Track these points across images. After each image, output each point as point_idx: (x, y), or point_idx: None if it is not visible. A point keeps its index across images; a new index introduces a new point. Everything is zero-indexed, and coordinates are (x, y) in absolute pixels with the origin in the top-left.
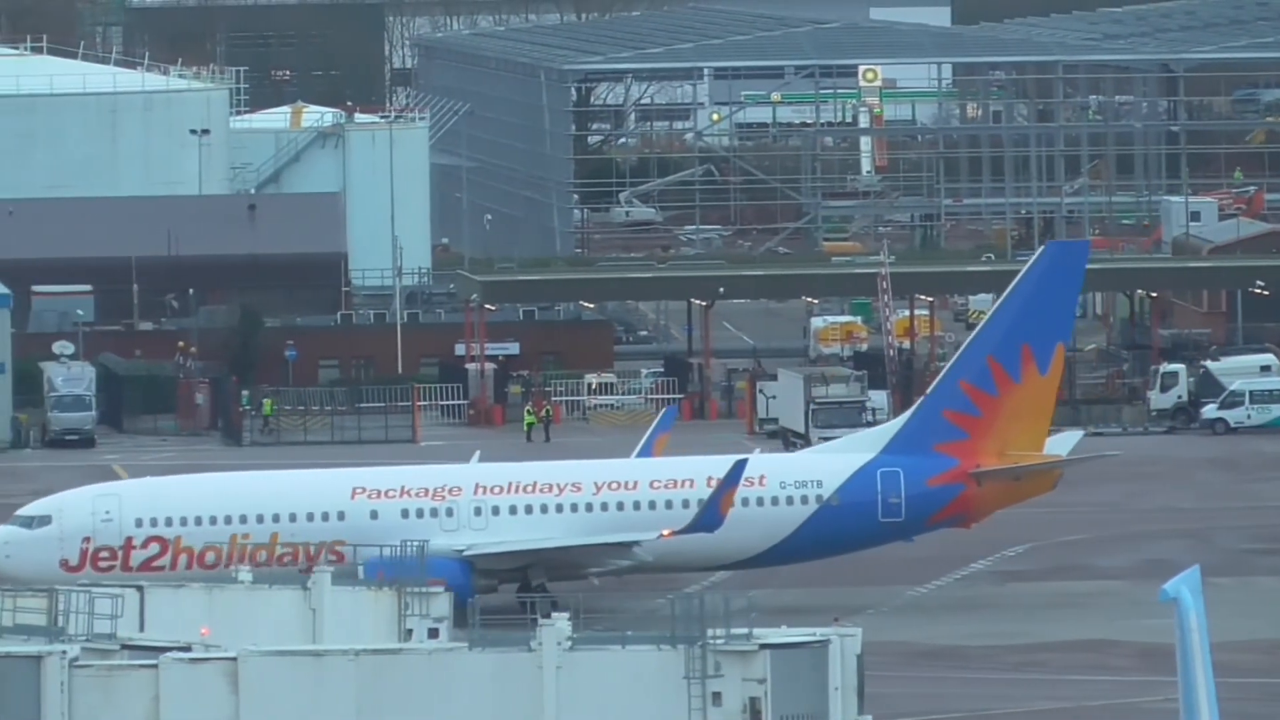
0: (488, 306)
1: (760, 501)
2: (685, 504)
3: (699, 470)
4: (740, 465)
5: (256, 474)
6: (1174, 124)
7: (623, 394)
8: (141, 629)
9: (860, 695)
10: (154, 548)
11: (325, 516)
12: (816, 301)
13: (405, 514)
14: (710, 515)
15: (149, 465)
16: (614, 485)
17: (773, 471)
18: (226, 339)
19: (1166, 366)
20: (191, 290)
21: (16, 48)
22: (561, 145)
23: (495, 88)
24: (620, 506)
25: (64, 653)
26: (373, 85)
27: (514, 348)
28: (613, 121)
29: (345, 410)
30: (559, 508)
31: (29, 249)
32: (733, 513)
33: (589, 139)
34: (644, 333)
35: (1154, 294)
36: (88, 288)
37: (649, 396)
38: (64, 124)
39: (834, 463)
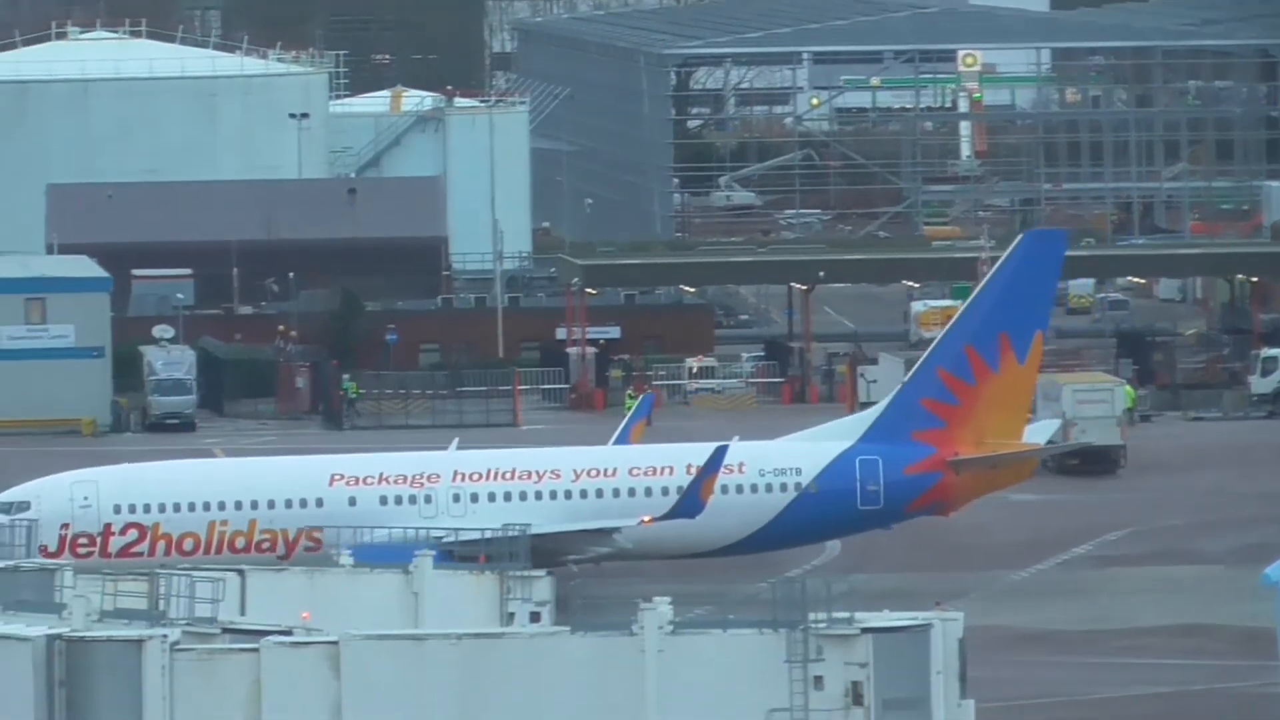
0: (588, 290)
1: (740, 489)
2: (665, 491)
3: (678, 457)
4: (721, 452)
5: (235, 460)
6: (1273, 109)
7: (723, 378)
8: (243, 613)
9: (962, 679)
10: (132, 534)
11: (304, 503)
12: (917, 286)
13: (384, 500)
14: (691, 502)
15: (248, 449)
16: (593, 472)
17: (752, 459)
18: (326, 323)
19: (1267, 351)
20: (291, 274)
21: (116, 32)
22: (661, 130)
23: (594, 72)
24: (600, 494)
25: (165, 637)
26: (471, 69)
27: (615, 331)
28: (712, 106)
29: (446, 394)
30: (538, 495)
31: (129, 233)
32: (712, 500)
33: (688, 123)
34: (744, 317)
35: (1254, 279)
36: (187, 272)
37: (749, 380)
38: (163, 108)
39: (813, 450)
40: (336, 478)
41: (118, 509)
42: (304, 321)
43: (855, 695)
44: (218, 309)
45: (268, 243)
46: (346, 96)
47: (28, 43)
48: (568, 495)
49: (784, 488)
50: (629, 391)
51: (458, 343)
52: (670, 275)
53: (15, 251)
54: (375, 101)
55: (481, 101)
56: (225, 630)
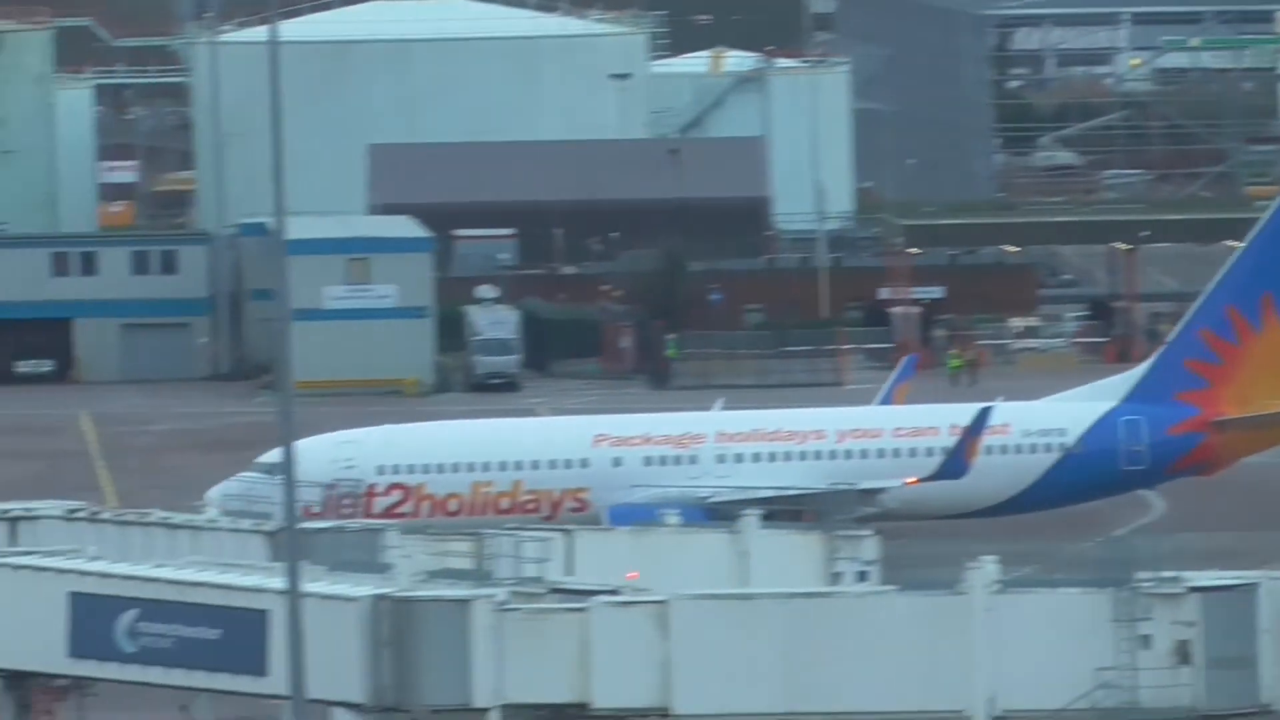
0: (911, 250)
1: (1004, 449)
2: (929, 452)
3: (942, 418)
4: (985, 413)
5: (499, 421)
6: None
7: (1047, 338)
8: (569, 573)
9: None
10: (396, 495)
11: (568, 464)
12: (1240, 246)
13: (648, 461)
14: (956, 462)
15: (572, 409)
16: (857, 433)
17: (1017, 420)
18: (650, 283)
19: None
20: (615, 234)
21: None
22: (981, 90)
23: (914, 33)
24: (863, 454)
25: (492, 597)
26: (791, 30)
27: (938, 291)
28: (1031, 66)
29: (770, 354)
30: (802, 455)
31: (451, 193)
32: (977, 461)
33: (1008, 84)
34: (1067, 277)
35: None
36: (510, 231)
37: (1073, 340)
38: (484, 68)
39: (1077, 411)
40: (600, 438)
41: (381, 470)
42: (627, 281)
43: (1183, 654)
44: (541, 269)
45: (590, 203)
46: (666, 57)
47: (346, 3)
48: (831, 456)
49: (1048, 449)
50: (952, 351)
51: (782, 302)
52: (993, 235)
53: (337, 212)
54: (695, 62)
55: (802, 62)
56: (552, 590)
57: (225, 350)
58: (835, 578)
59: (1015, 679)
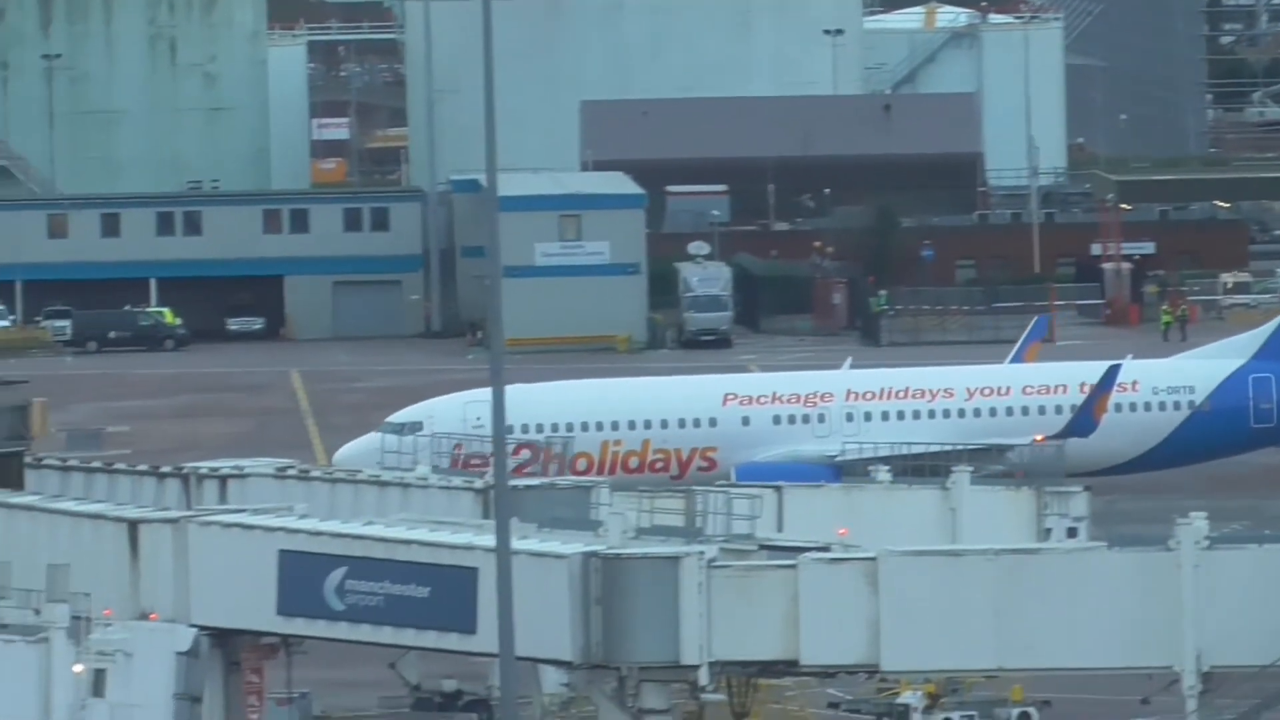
0: (1123, 206)
1: (1134, 407)
2: (1059, 410)
3: (1072, 376)
4: (1113, 371)
5: (628, 380)
6: None
7: (1257, 293)
8: (780, 529)
9: None
10: (525, 454)
11: (697, 423)
12: None
13: (777, 420)
14: (1084, 420)
15: (783, 365)
16: (986, 391)
17: (1145, 377)
18: (862, 239)
19: None
20: (826, 190)
21: None
22: (1193, 46)
23: None
24: (993, 412)
25: (702, 553)
26: None
27: (1149, 247)
28: (1245, 22)
29: (982, 310)
30: (931, 413)
31: (663, 149)
32: (1106, 418)
33: (1221, 39)
34: (1278, 232)
35: None
36: (722, 188)
37: None
38: (696, 24)
39: (1206, 369)
40: (730, 397)
41: (511, 429)
42: (840, 237)
43: None
44: (753, 225)
45: (802, 159)
46: (879, 13)
47: None
48: (960, 414)
49: (1177, 406)
50: (1164, 307)
51: (993, 258)
52: (1204, 191)
53: (550, 168)
54: (908, 18)
55: (1016, 18)
56: (762, 547)
57: (436, 307)
58: (1045, 534)
59: (1223, 635)
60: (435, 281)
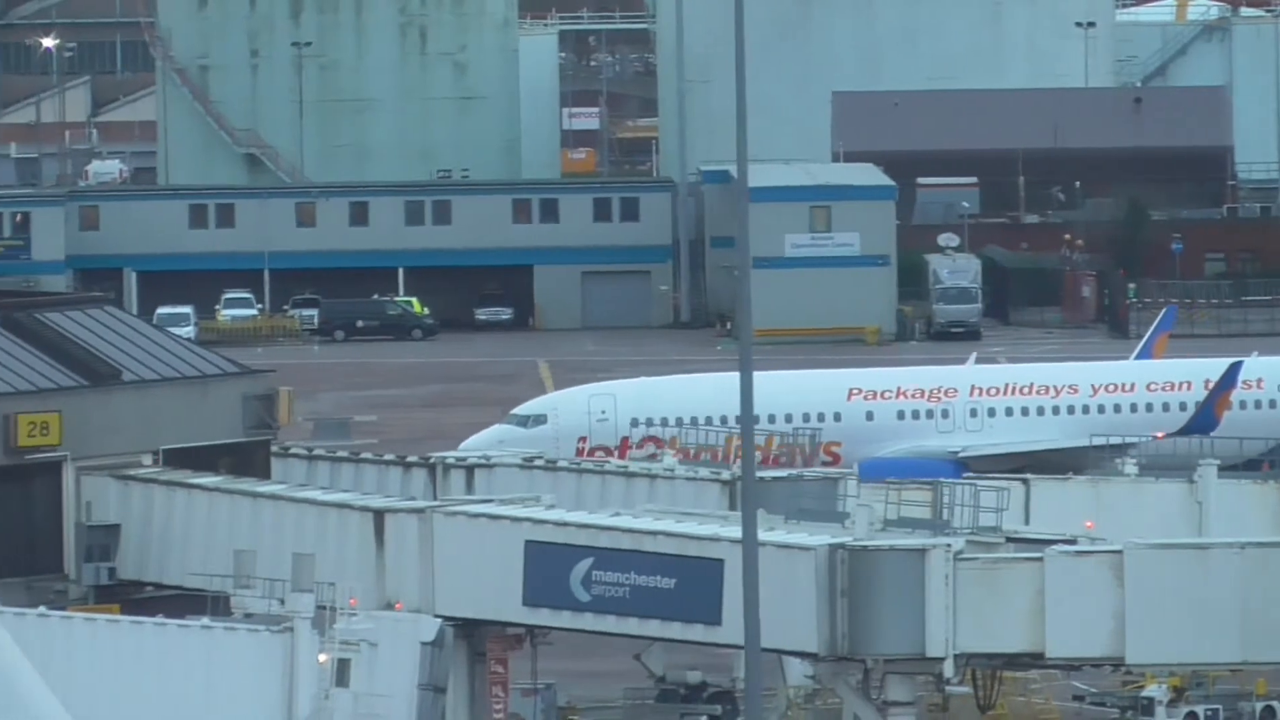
0: None
1: (1258, 404)
2: (1183, 406)
3: (1196, 372)
4: (1235, 367)
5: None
6: None
7: None
8: (1026, 522)
9: None
10: (649, 448)
11: (820, 417)
12: None
13: (901, 415)
14: (1206, 417)
15: (1032, 357)
16: (1110, 388)
17: (1270, 375)
18: (1112, 232)
19: None
20: (1077, 183)
21: None
22: None
23: None
24: (1117, 409)
25: (949, 546)
26: None
27: None
28: None
29: (1230, 304)
30: (1055, 410)
31: (913, 141)
32: (1228, 415)
33: None
34: None
35: None
36: (972, 180)
37: None
38: (948, 15)
39: None
40: (854, 392)
41: (635, 422)
42: (1089, 230)
43: None
44: (1003, 217)
45: (1052, 151)
46: (1132, 6)
47: None
48: (1085, 410)
49: None
50: None
51: (1242, 252)
52: None
53: (801, 159)
54: (1161, 10)
55: (1268, 11)
56: (1009, 539)
57: (685, 298)
58: None
59: None
60: (684, 272)
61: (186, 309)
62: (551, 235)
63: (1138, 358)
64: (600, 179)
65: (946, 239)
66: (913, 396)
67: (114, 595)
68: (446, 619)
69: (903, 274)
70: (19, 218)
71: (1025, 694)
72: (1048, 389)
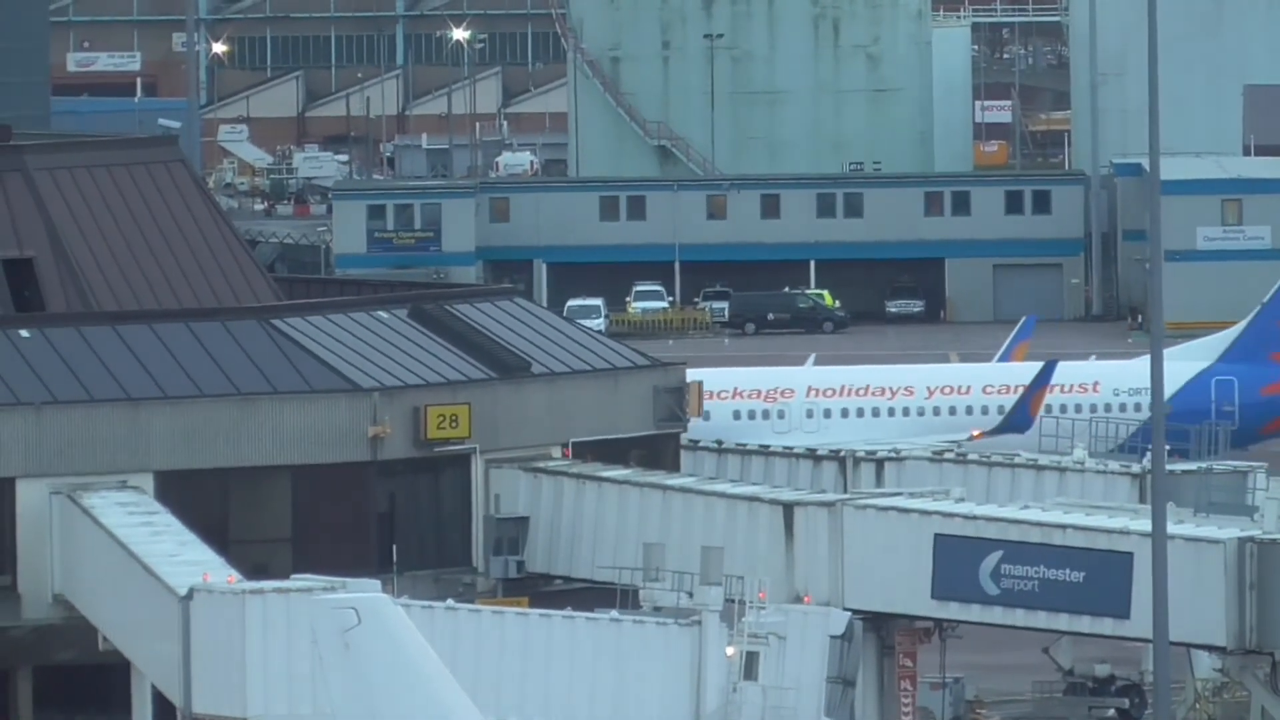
0: None
1: (1094, 408)
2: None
3: (1030, 375)
4: (1049, 366)
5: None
6: None
7: None
8: None
9: None
10: None
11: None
12: None
13: (736, 415)
14: (1020, 416)
15: None
16: (946, 389)
17: (1107, 378)
18: None
19: None
20: None
21: None
22: None
23: None
24: (952, 411)
25: None
26: None
27: None
28: None
29: None
30: (890, 411)
31: None
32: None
33: None
34: None
35: None
36: None
37: None
38: None
39: (1169, 370)
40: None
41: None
42: None
43: None
44: None
45: None
46: None
47: None
48: (920, 412)
49: (1138, 407)
50: None
51: None
52: None
53: (1213, 152)
54: None
55: None
56: None
57: (1096, 291)
58: None
59: None
60: (1096, 265)
61: (597, 301)
62: (963, 228)
63: (998, 362)
64: (1012, 172)
65: None
66: (749, 397)
67: (522, 588)
68: (855, 612)
69: None
70: (430, 209)
71: None
72: (884, 390)
